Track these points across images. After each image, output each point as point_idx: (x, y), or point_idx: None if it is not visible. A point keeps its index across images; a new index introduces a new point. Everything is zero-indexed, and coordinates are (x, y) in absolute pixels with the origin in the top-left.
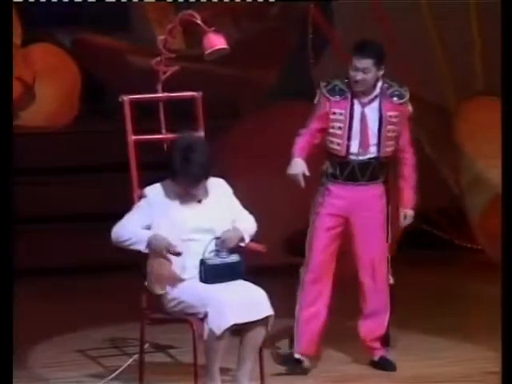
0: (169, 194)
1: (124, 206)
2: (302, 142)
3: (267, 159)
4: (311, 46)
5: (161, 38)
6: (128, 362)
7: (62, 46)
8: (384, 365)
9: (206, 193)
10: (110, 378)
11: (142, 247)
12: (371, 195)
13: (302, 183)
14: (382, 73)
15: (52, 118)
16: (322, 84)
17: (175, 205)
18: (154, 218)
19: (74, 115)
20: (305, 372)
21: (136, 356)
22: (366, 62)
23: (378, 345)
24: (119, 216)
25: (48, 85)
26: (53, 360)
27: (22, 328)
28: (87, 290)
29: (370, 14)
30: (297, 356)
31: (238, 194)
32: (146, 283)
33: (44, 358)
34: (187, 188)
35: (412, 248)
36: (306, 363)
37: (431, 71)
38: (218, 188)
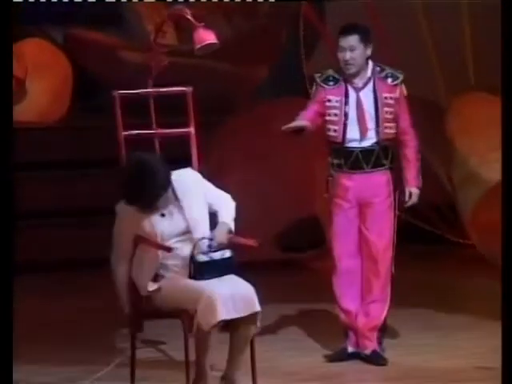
0: (136, 208)
1: (115, 201)
2: (301, 116)
3: (259, 155)
4: (303, 42)
5: (151, 32)
6: (113, 364)
7: (54, 41)
8: (375, 359)
9: (174, 197)
10: (97, 375)
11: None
12: (377, 182)
13: (291, 125)
14: (369, 51)
15: (44, 114)
16: (317, 75)
17: (143, 218)
18: (131, 234)
19: (66, 111)
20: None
21: (118, 360)
22: (352, 39)
23: (373, 336)
24: (111, 211)
25: (40, 80)
26: (45, 356)
27: (19, 323)
28: (86, 286)
29: (362, 11)
30: (352, 350)
31: (230, 189)
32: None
33: (37, 354)
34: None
35: (404, 243)
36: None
37: (423, 67)
38: (186, 180)
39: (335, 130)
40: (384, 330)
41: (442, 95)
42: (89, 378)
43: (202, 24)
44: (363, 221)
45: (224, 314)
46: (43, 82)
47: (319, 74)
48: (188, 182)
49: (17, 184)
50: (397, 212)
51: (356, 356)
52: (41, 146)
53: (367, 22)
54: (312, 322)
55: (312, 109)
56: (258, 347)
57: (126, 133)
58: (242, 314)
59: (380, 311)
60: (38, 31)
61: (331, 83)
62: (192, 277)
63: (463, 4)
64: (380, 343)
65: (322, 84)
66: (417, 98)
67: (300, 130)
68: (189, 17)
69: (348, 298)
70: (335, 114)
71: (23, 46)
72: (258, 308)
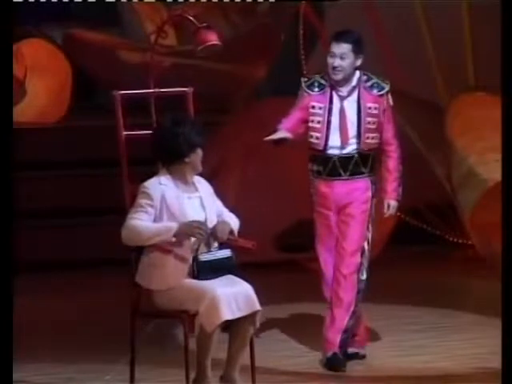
0: (166, 187)
1: (115, 201)
2: (283, 124)
3: (258, 155)
4: (302, 42)
5: (151, 33)
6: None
7: (53, 41)
8: (333, 363)
9: (195, 186)
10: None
11: (167, 237)
12: (355, 189)
13: (272, 137)
14: (359, 62)
15: (43, 114)
16: (303, 80)
17: (173, 198)
18: (155, 213)
19: (65, 111)
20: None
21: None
22: (344, 47)
23: (336, 338)
24: (111, 211)
25: (39, 80)
26: (45, 355)
27: (19, 322)
28: (86, 285)
29: (362, 11)
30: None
31: (229, 189)
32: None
33: (37, 353)
34: (185, 162)
35: (403, 244)
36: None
37: (422, 67)
38: (204, 185)
39: (317, 138)
40: (349, 334)
41: (441, 95)
42: (88, 377)
43: (204, 25)
44: (338, 225)
45: (228, 314)
46: (42, 82)
47: (305, 79)
48: (206, 186)
49: (16, 184)
50: (371, 220)
51: (355, 357)
52: (40, 146)
53: (366, 21)
54: (312, 321)
55: (295, 116)
56: (258, 347)
57: (127, 133)
58: (244, 314)
59: (343, 315)
60: (38, 31)
61: (316, 89)
62: (195, 276)
63: (463, 3)
64: (341, 347)
65: (307, 90)
66: (416, 99)
67: (281, 141)
68: (191, 18)
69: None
70: (318, 122)
71: (23, 47)
72: (258, 307)
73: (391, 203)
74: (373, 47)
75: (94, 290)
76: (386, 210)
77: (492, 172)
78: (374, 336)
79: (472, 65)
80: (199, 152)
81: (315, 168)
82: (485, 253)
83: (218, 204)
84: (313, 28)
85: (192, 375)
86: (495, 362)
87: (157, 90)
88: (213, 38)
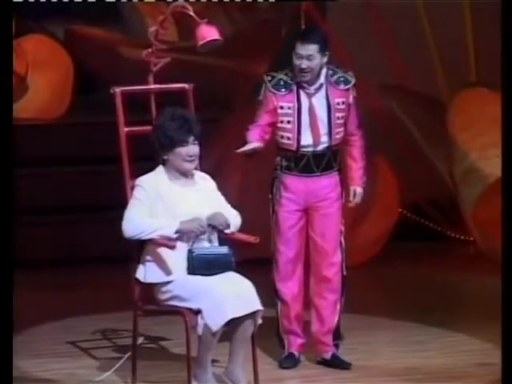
0: (161, 182)
1: (116, 198)
2: (252, 135)
3: (259, 151)
4: None
5: (152, 29)
6: (123, 358)
7: (55, 37)
8: (336, 363)
9: (195, 181)
10: (108, 373)
11: (167, 233)
12: (326, 185)
13: (244, 149)
14: (325, 59)
15: (45, 110)
16: (266, 78)
17: (168, 192)
18: (150, 207)
19: (67, 107)
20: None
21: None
22: (310, 49)
23: (329, 339)
24: (111, 208)
25: (41, 76)
26: (45, 351)
27: (20, 318)
28: (86, 282)
29: (363, 8)
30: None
31: (231, 185)
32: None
33: (37, 349)
34: (185, 154)
35: (404, 240)
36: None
37: (424, 63)
38: (205, 180)
39: (289, 138)
40: (339, 333)
41: (443, 91)
42: (89, 373)
43: (205, 20)
44: (311, 225)
45: (232, 312)
46: (44, 78)
47: (269, 77)
48: (207, 182)
49: (17, 180)
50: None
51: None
52: (41, 143)
53: (368, 17)
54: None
55: (263, 122)
56: (259, 343)
57: (127, 129)
58: (246, 312)
59: (332, 314)
60: (39, 27)
61: (283, 90)
62: (190, 271)
63: None
64: (337, 346)
65: (272, 90)
66: (418, 94)
67: (253, 152)
68: (191, 13)
69: (286, 303)
70: (288, 122)
71: (24, 42)
72: (259, 306)
73: (357, 190)
74: (374, 43)
75: (95, 287)
76: (352, 198)
77: (493, 167)
78: (374, 332)
79: (474, 61)
80: (180, 150)
81: (285, 163)
82: (486, 249)
83: (221, 200)
84: (315, 23)
85: (193, 371)
86: (496, 358)
87: (156, 85)
88: (213, 34)
